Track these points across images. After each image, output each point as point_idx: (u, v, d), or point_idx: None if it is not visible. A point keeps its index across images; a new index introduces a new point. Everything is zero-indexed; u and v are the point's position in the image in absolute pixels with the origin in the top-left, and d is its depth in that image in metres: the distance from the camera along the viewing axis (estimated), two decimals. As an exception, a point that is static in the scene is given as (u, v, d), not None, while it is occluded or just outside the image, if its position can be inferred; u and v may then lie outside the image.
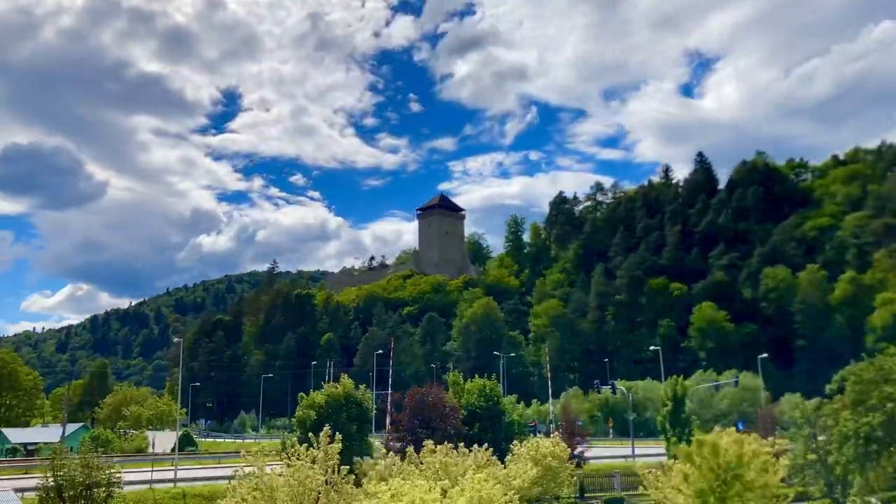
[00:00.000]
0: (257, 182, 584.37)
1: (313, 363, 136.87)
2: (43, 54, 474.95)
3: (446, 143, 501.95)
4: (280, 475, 18.11)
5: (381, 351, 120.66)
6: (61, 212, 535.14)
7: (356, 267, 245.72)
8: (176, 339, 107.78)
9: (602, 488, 47.74)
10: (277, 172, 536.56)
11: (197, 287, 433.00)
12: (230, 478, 20.27)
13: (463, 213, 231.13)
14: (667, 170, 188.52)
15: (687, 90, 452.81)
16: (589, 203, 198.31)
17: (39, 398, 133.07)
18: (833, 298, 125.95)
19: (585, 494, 45.90)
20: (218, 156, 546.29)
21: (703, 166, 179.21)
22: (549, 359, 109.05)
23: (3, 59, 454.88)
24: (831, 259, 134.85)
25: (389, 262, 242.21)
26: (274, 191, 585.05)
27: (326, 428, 19.40)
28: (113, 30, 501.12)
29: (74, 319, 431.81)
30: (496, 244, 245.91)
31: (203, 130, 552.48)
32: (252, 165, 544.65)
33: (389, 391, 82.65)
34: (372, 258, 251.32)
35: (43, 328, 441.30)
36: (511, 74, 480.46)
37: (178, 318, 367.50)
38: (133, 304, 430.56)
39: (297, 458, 18.36)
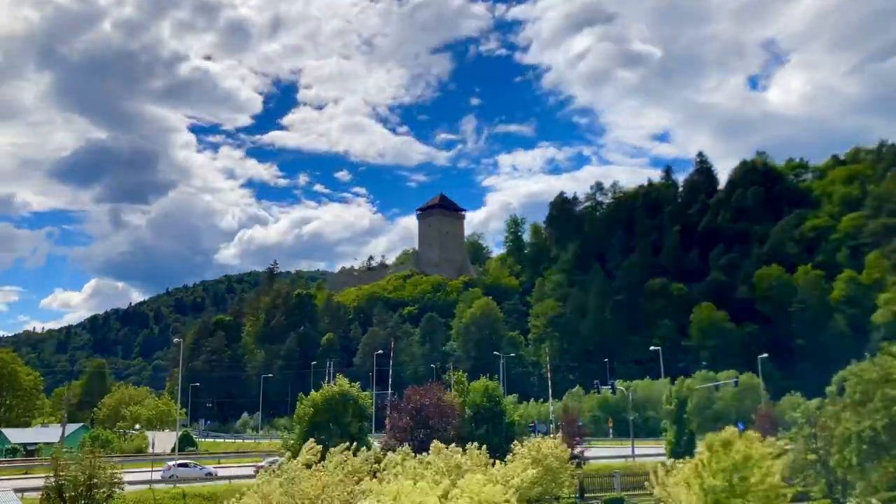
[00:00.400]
0: (303, 178, 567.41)
1: (313, 363, 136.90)
2: (100, 46, 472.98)
3: (500, 136, 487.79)
4: (309, 476, 18.11)
5: (381, 351, 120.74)
6: (109, 207, 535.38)
7: (356, 267, 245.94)
8: (176, 340, 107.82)
9: (602, 488, 47.78)
10: (323, 168, 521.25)
11: (197, 287, 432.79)
12: (231, 477, 20.26)
13: (463, 213, 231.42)
14: (667, 170, 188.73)
15: (753, 83, 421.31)
16: (589, 203, 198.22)
17: (39, 398, 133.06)
18: (832, 298, 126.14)
19: (585, 494, 45.94)
20: (266, 151, 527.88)
21: (702, 166, 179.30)
22: (549, 359, 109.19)
23: (62, 51, 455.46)
24: (830, 259, 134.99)
25: (389, 262, 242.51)
26: (319, 187, 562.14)
27: (343, 446, 19.36)
28: (173, 21, 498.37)
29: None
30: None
31: (256, 127, 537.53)
32: (299, 161, 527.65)
33: (389, 391, 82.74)
34: (371, 258, 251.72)
35: (45, 327, 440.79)
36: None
37: (178, 318, 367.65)
38: (133, 303, 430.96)
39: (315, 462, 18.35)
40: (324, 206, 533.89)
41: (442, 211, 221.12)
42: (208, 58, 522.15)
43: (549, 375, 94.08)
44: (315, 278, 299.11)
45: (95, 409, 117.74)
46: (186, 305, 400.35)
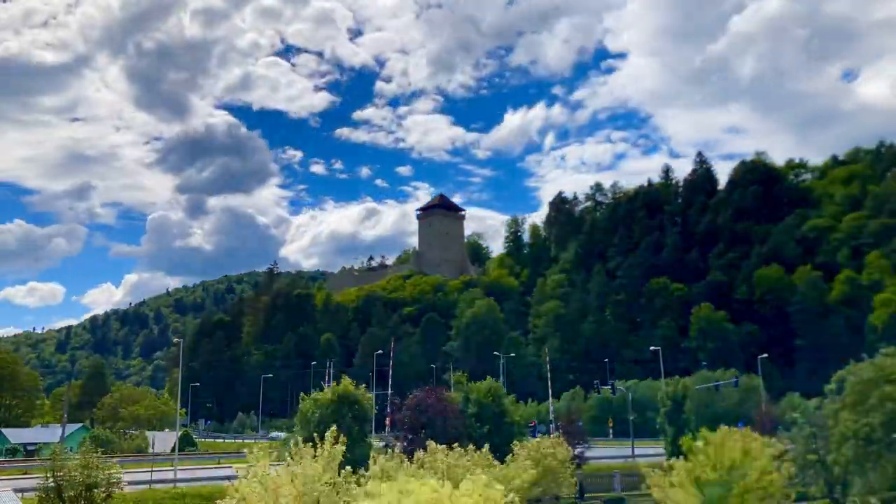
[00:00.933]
0: (365, 171, 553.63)
1: (313, 363, 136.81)
2: (175, 36, 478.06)
3: (572, 128, 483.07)
4: (288, 473, 18.05)
5: (380, 351, 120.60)
6: (171, 202, 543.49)
7: (356, 267, 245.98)
8: (176, 340, 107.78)
9: (602, 488, 47.83)
10: (385, 162, 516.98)
11: (196, 287, 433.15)
12: (230, 478, 20.25)
13: (463, 213, 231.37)
14: (667, 170, 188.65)
15: (848, 73, 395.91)
16: (589, 203, 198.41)
17: (39, 398, 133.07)
18: (831, 299, 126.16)
19: (585, 494, 45.97)
20: (332, 145, 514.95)
21: (702, 166, 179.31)
22: (549, 359, 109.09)
23: (136, 40, 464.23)
24: (830, 259, 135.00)
25: (389, 262, 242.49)
26: (380, 181, 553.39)
27: (333, 428, 19.34)
28: (255, 8, 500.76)
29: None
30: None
31: (326, 121, 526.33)
32: (363, 154, 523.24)
33: (389, 391, 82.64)
34: (371, 258, 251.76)
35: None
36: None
37: (178, 319, 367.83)
38: (133, 304, 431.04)
39: (301, 457, 18.31)
40: (383, 202, 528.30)
41: (442, 211, 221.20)
42: (288, 49, 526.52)
43: (549, 376, 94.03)
44: (315, 278, 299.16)
45: (95, 409, 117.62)
46: (186, 305, 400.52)
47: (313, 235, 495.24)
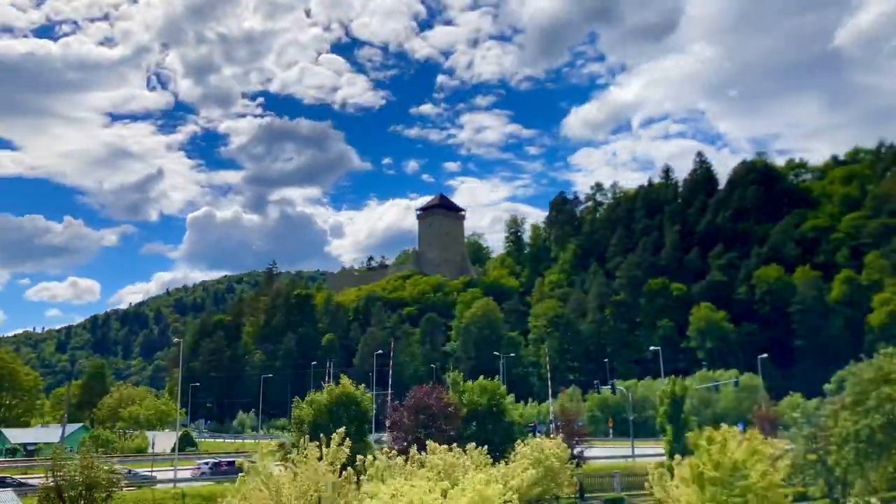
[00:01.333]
0: (412, 165, 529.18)
1: (313, 363, 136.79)
2: (234, 28, 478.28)
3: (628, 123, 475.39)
4: (292, 472, 18.07)
5: (380, 351, 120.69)
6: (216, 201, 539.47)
7: (356, 267, 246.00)
8: (176, 340, 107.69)
9: (602, 488, 47.81)
10: (432, 157, 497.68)
11: (197, 287, 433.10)
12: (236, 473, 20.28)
13: (463, 213, 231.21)
14: (667, 170, 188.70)
15: None
16: (589, 203, 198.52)
17: (39, 398, 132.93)
18: (831, 299, 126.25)
19: (585, 494, 45.94)
20: (382, 138, 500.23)
21: (702, 166, 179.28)
22: (549, 359, 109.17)
23: (196, 30, 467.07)
24: (829, 259, 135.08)
25: (389, 262, 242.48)
26: (426, 177, 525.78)
27: (342, 430, 19.32)
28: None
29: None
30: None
31: (380, 117, 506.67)
32: (411, 149, 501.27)
33: (389, 391, 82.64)
34: (371, 258, 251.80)
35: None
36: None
37: (178, 319, 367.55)
38: (133, 304, 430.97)
39: (305, 458, 18.32)
40: (428, 197, 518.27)
41: (442, 211, 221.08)
42: (353, 42, 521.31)
43: (548, 375, 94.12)
44: (315, 278, 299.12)
45: (95, 409, 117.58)
46: (186, 305, 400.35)
47: (367, 231, 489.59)
